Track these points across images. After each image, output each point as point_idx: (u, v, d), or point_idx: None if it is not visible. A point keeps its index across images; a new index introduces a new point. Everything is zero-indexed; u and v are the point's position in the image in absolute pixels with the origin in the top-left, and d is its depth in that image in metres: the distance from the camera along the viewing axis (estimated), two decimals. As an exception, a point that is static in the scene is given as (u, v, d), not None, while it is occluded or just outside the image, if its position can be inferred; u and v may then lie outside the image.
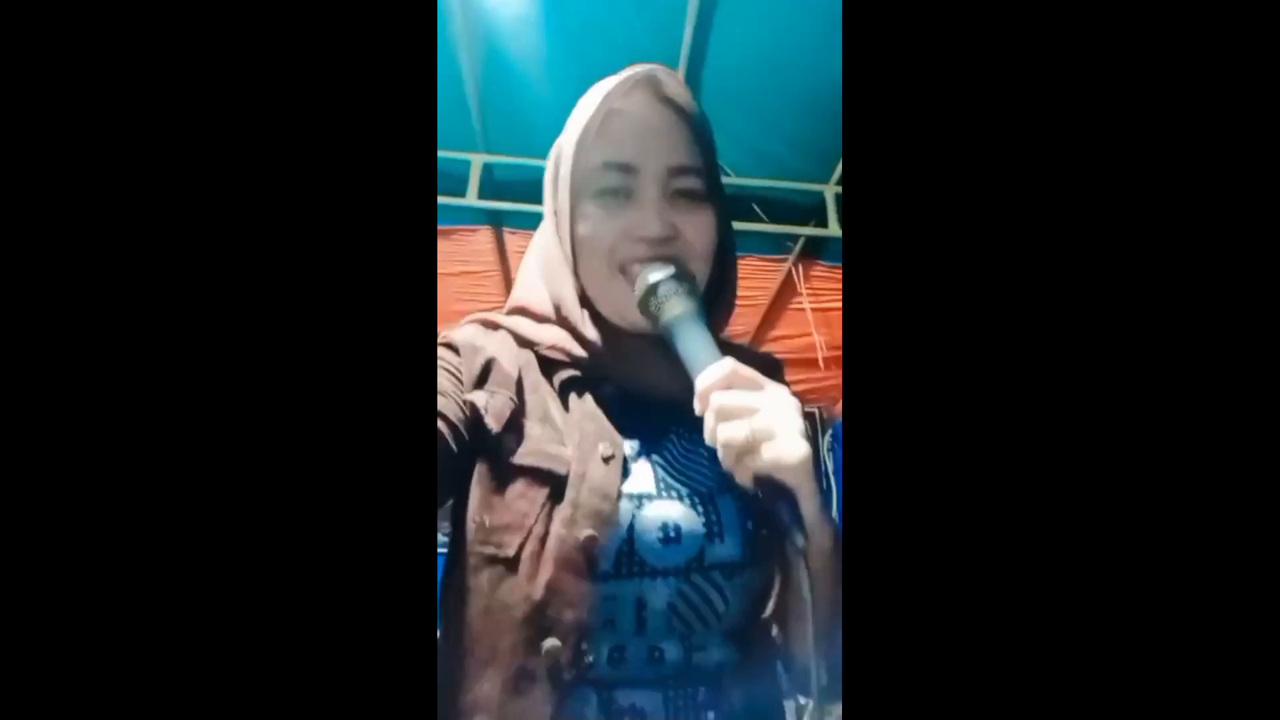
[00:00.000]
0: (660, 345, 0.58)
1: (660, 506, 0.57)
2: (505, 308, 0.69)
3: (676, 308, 0.56)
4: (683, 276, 0.58)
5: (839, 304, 3.09)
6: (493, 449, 0.58)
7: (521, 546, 0.55)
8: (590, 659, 0.55)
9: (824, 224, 2.44)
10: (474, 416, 0.58)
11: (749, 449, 0.48)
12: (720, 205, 0.64)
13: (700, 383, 0.51)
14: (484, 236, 2.70)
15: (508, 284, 2.96)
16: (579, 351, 0.61)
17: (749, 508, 0.59)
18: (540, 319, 0.64)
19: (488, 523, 0.57)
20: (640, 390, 0.62)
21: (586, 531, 0.54)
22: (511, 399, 0.59)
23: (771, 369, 0.67)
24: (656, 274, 0.57)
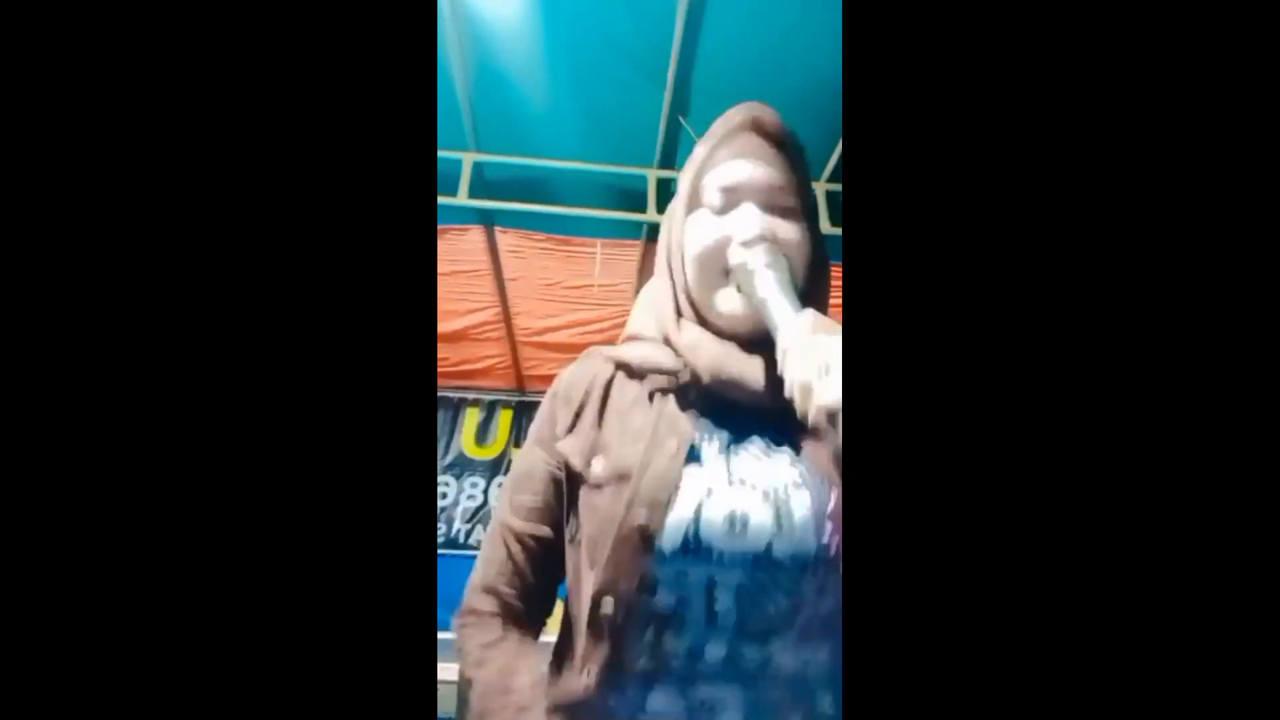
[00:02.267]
0: (756, 348, 0.63)
1: (731, 497, 0.60)
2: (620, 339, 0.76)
3: (765, 272, 0.61)
4: (775, 253, 0.63)
5: (832, 301, 3.10)
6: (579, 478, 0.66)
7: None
8: (668, 649, 0.58)
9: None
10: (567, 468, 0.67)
11: (813, 388, 0.51)
12: (813, 221, 0.70)
13: (781, 335, 0.56)
14: (475, 235, 2.69)
15: (499, 283, 2.96)
16: (670, 361, 0.67)
17: (823, 509, 0.60)
18: (644, 340, 0.71)
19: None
20: (730, 393, 0.64)
21: (640, 519, 0.59)
22: (595, 428, 0.67)
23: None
24: (751, 250, 0.63)
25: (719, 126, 0.72)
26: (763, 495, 0.60)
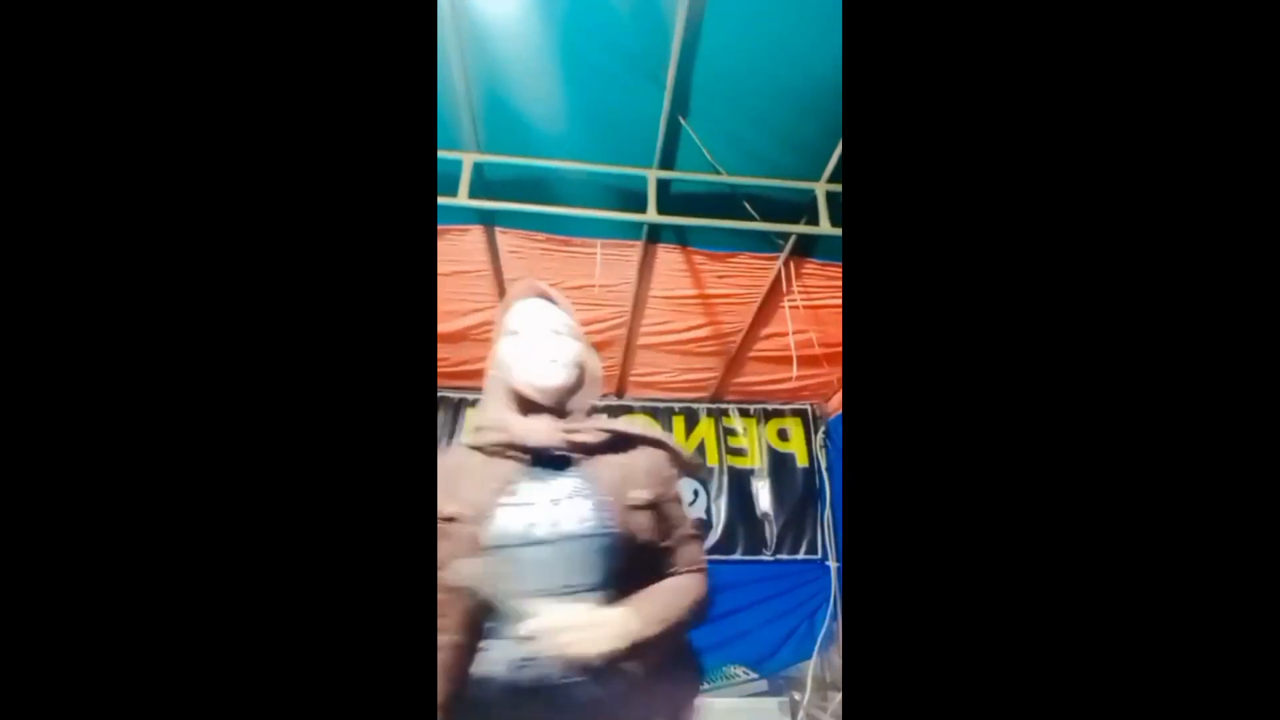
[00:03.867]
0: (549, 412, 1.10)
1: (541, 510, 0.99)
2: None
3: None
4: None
5: (830, 301, 3.10)
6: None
7: None
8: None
9: (815, 222, 2.44)
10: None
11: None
12: (581, 343, 1.16)
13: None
14: (475, 236, 2.69)
15: (500, 284, 2.95)
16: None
17: (600, 505, 0.97)
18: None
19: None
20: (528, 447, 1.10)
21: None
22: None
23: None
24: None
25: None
26: (553, 500, 0.96)
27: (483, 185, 2.38)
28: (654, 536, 0.99)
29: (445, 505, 0.95)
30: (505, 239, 2.71)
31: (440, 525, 0.94)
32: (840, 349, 3.33)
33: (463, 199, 2.26)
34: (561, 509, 0.95)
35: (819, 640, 3.49)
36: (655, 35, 1.93)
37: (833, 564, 3.78)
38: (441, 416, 3.94)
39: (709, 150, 2.32)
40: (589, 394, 1.11)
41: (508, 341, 1.09)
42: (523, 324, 1.09)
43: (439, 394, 3.89)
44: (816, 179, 2.45)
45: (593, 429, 1.04)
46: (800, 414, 4.17)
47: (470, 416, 3.98)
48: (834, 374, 3.76)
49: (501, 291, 2.99)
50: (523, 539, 0.92)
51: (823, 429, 4.12)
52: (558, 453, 1.00)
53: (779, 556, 3.78)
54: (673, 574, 1.00)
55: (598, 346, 3.43)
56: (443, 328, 3.24)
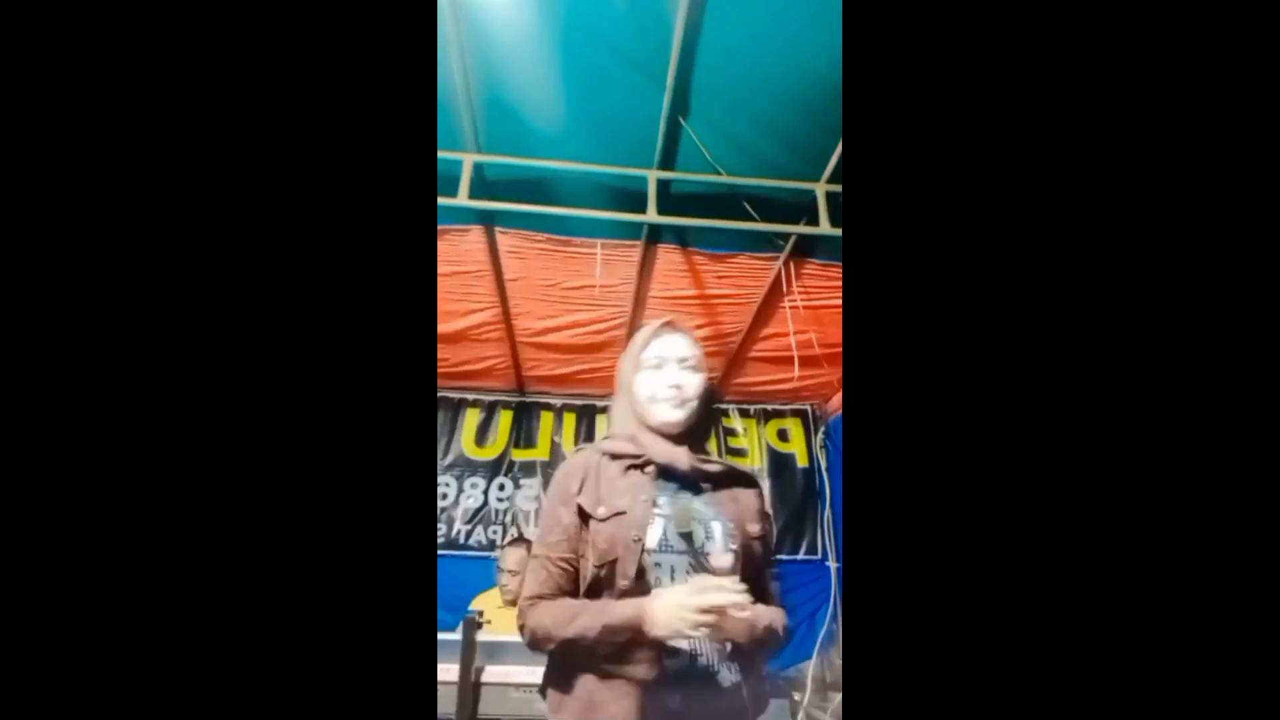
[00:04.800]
0: (680, 440, 1.23)
1: (678, 522, 1.13)
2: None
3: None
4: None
5: (830, 301, 3.10)
6: None
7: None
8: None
9: (815, 222, 2.44)
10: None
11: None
12: (704, 373, 1.27)
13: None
14: (475, 236, 2.69)
15: (500, 284, 2.95)
16: (634, 449, 1.21)
17: (729, 528, 1.15)
18: (617, 438, 1.27)
19: None
20: (669, 466, 1.21)
21: (635, 535, 1.10)
22: None
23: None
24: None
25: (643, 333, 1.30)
26: (699, 521, 1.12)
27: (483, 185, 2.38)
28: (752, 569, 1.12)
29: (592, 500, 1.12)
30: (505, 239, 2.71)
31: (594, 521, 1.10)
32: (840, 349, 3.33)
33: (463, 199, 2.26)
34: (705, 527, 1.11)
35: (819, 640, 3.49)
36: (655, 35, 1.93)
37: (833, 564, 3.78)
38: (441, 416, 3.94)
39: (709, 150, 2.32)
40: (705, 425, 1.28)
41: (642, 377, 1.23)
42: (656, 359, 1.23)
43: (439, 394, 3.89)
44: (816, 179, 2.45)
45: (718, 461, 1.22)
46: (800, 414, 4.17)
47: (470, 416, 3.99)
48: (834, 374, 3.76)
49: (501, 291, 2.99)
50: (669, 546, 1.08)
51: (823, 429, 4.12)
52: (689, 477, 1.16)
53: (779, 557, 3.78)
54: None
55: (597, 347, 3.42)
56: (443, 328, 3.24)
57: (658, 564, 1.08)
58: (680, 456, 1.16)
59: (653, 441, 1.19)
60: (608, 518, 1.11)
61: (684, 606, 0.97)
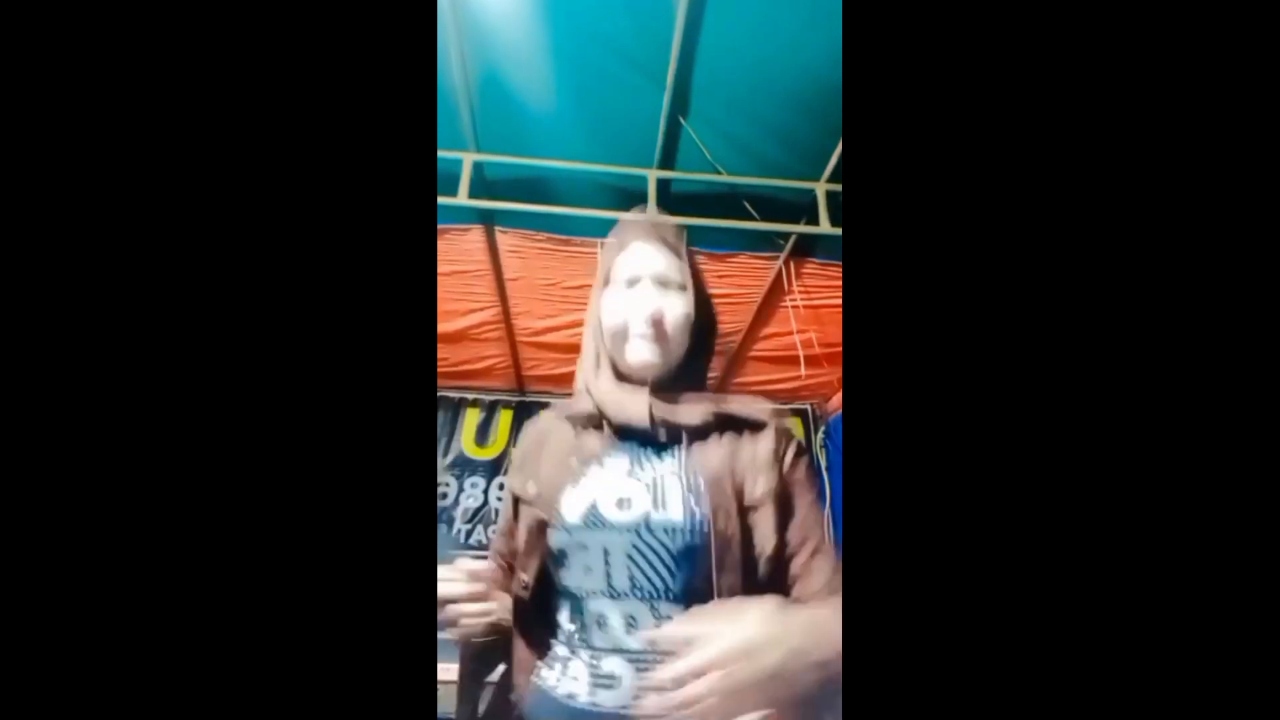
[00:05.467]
0: (650, 389, 0.87)
1: (623, 487, 0.80)
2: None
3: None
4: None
5: (830, 301, 3.10)
6: None
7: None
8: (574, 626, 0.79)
9: (815, 221, 2.44)
10: None
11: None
12: (695, 293, 0.93)
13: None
14: (475, 236, 2.69)
15: (499, 283, 2.95)
16: (588, 408, 0.90)
17: (695, 491, 0.78)
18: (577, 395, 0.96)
19: None
20: (626, 423, 0.87)
21: (541, 515, 0.83)
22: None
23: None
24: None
25: (618, 232, 0.99)
26: (646, 485, 0.79)
27: (483, 185, 2.38)
28: (767, 546, 0.76)
29: (519, 482, 0.88)
30: (505, 238, 2.71)
31: (523, 505, 0.86)
32: (840, 349, 3.33)
33: (463, 198, 2.26)
34: (645, 496, 0.77)
35: (819, 640, 3.47)
36: (655, 35, 1.93)
37: (832, 564, 3.77)
38: (441, 416, 3.94)
39: (709, 150, 2.32)
40: (697, 364, 0.92)
41: (608, 297, 0.91)
42: (630, 275, 0.90)
43: (439, 394, 3.89)
44: (816, 179, 2.45)
45: (697, 408, 0.84)
46: (800, 414, 4.17)
47: (470, 416, 3.98)
48: (834, 374, 3.76)
49: (501, 291, 2.99)
50: (589, 523, 0.77)
51: (823, 429, 4.12)
52: (647, 432, 0.82)
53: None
54: (796, 601, 0.75)
55: (598, 346, 3.41)
56: (442, 327, 3.24)
57: (583, 546, 0.77)
58: (638, 407, 0.82)
59: (608, 390, 0.87)
60: (533, 500, 0.84)
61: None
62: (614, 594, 0.76)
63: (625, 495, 0.78)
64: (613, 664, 0.74)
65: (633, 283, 0.90)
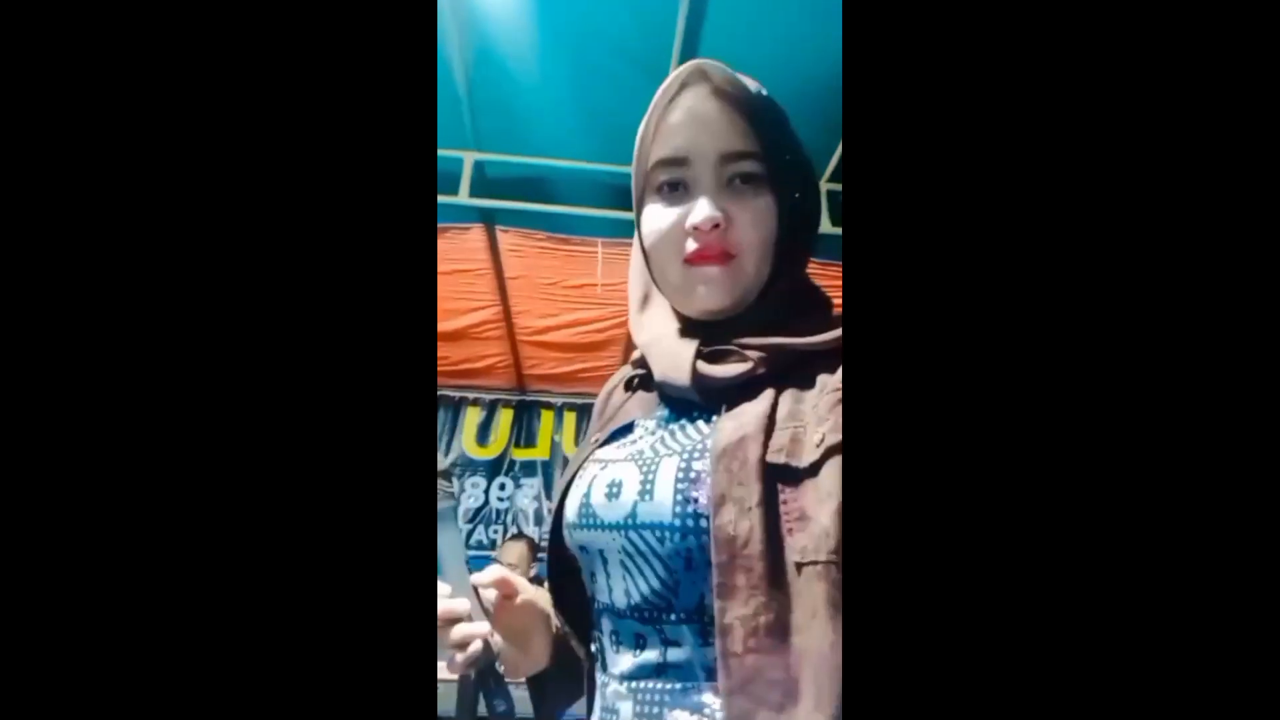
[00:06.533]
0: (700, 330, 0.61)
1: (616, 469, 0.59)
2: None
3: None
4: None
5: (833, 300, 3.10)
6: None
7: None
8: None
9: (816, 221, 2.44)
10: None
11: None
12: (785, 189, 0.60)
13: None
14: (476, 234, 2.69)
15: (500, 282, 2.95)
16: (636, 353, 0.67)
17: (687, 468, 0.54)
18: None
19: None
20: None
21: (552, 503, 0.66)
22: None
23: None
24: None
25: (663, 89, 0.62)
26: (638, 464, 0.56)
27: (483, 183, 2.38)
28: (823, 545, 0.47)
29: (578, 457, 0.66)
30: (506, 237, 2.71)
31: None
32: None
33: (463, 197, 2.26)
34: (634, 480, 0.55)
35: (819, 640, 3.47)
36: (656, 35, 1.93)
37: (833, 563, 3.77)
38: (442, 415, 3.94)
39: (710, 149, 2.31)
40: (775, 297, 0.60)
41: (652, 210, 0.60)
42: (670, 168, 0.59)
43: (439, 393, 3.89)
44: (817, 179, 2.45)
45: (740, 356, 0.56)
46: (800, 413, 4.16)
47: (471, 415, 3.98)
48: (834, 373, 3.74)
49: (502, 290, 2.99)
50: (583, 520, 0.58)
51: (823, 428, 4.11)
52: (690, 396, 0.57)
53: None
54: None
55: (598, 345, 3.42)
56: (443, 327, 3.24)
57: (582, 549, 0.59)
58: (682, 360, 0.57)
59: (653, 336, 0.62)
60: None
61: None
62: (615, 611, 0.56)
63: (616, 478, 0.56)
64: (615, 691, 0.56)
65: (683, 179, 0.59)
